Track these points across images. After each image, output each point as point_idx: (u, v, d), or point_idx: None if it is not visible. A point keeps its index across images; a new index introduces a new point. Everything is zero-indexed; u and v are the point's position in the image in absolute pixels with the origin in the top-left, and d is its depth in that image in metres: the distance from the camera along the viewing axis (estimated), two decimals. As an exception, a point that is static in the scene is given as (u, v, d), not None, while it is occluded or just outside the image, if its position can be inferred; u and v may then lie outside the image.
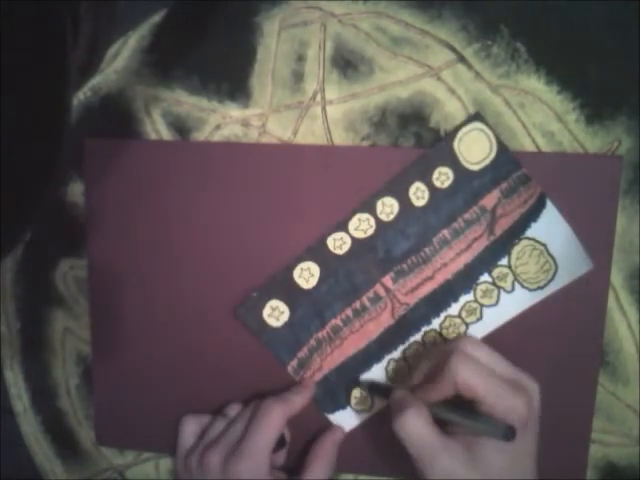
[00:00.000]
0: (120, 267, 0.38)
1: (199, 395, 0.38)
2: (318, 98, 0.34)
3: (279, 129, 0.35)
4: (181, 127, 0.36)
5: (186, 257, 0.37)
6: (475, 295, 0.34)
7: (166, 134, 0.36)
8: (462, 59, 0.33)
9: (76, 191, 0.38)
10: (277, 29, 0.34)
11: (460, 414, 0.29)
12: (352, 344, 0.35)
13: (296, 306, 0.35)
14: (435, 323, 0.35)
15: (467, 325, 0.34)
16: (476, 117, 0.33)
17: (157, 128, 0.36)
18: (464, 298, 0.34)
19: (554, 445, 0.35)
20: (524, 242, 0.33)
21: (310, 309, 0.35)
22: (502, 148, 0.32)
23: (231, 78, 0.35)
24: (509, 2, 0.32)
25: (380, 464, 0.37)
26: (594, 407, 0.34)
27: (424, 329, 0.35)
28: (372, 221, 0.34)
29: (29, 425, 0.42)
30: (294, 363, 0.36)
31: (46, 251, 0.39)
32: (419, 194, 0.33)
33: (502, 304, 0.34)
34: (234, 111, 0.35)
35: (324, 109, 0.34)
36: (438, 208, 0.33)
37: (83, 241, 0.38)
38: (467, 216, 0.33)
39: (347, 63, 0.34)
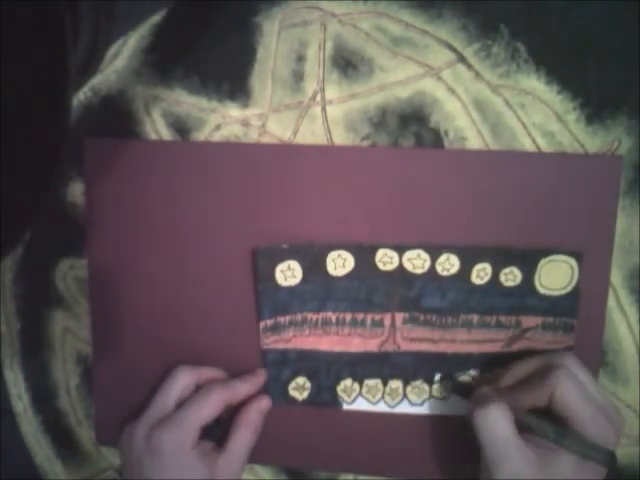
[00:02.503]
0: (120, 267, 0.38)
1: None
2: (318, 98, 0.34)
3: (279, 129, 0.35)
4: (181, 127, 0.36)
5: (186, 257, 0.37)
6: (453, 379, 0.35)
7: (166, 134, 0.36)
8: (462, 59, 0.33)
9: (76, 191, 0.38)
10: (277, 29, 0.34)
11: (551, 426, 0.28)
12: (329, 343, 0.36)
13: (309, 280, 0.35)
14: (408, 379, 0.35)
15: (430, 396, 0.36)
16: (577, 255, 0.33)
17: (157, 128, 0.36)
18: (444, 375, 0.35)
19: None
20: None
21: (319, 291, 0.35)
22: (575, 293, 0.33)
23: (231, 78, 0.35)
24: (509, 2, 0.32)
25: (380, 464, 0.37)
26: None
27: (397, 378, 0.35)
28: (427, 264, 0.34)
29: (29, 425, 0.42)
30: (269, 323, 0.36)
31: (46, 251, 0.39)
32: (481, 274, 0.34)
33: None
34: (234, 111, 0.35)
35: (324, 109, 0.34)
36: (486, 296, 0.34)
37: (83, 241, 0.38)
38: (502, 319, 0.34)
39: (347, 63, 0.34)
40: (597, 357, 0.34)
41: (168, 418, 0.34)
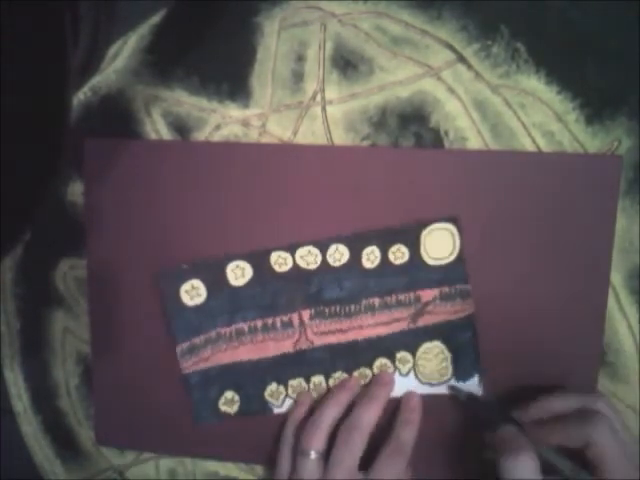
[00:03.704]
0: (120, 267, 0.38)
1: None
2: (318, 98, 0.34)
3: (279, 129, 0.35)
4: (181, 127, 0.36)
5: (186, 257, 0.37)
6: (372, 364, 0.36)
7: (166, 134, 0.36)
8: (462, 59, 0.33)
9: (76, 191, 0.38)
10: (277, 29, 0.34)
11: (576, 468, 0.29)
12: (247, 352, 0.36)
13: (215, 295, 0.36)
14: (328, 372, 0.36)
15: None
16: (453, 220, 0.33)
17: (157, 128, 0.36)
18: (362, 363, 0.36)
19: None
20: (436, 343, 0.35)
21: (226, 304, 0.36)
22: (461, 258, 0.34)
23: (231, 78, 0.35)
24: (509, 2, 0.32)
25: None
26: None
27: (318, 373, 0.36)
28: (319, 259, 0.35)
29: (29, 425, 0.42)
30: (185, 346, 0.37)
31: (46, 251, 0.39)
32: (371, 257, 0.34)
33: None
34: (234, 111, 0.35)
35: (324, 109, 0.34)
36: (381, 277, 0.35)
37: (83, 241, 0.38)
38: (401, 297, 0.35)
39: (347, 63, 0.34)
40: (597, 357, 0.34)
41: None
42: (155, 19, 0.36)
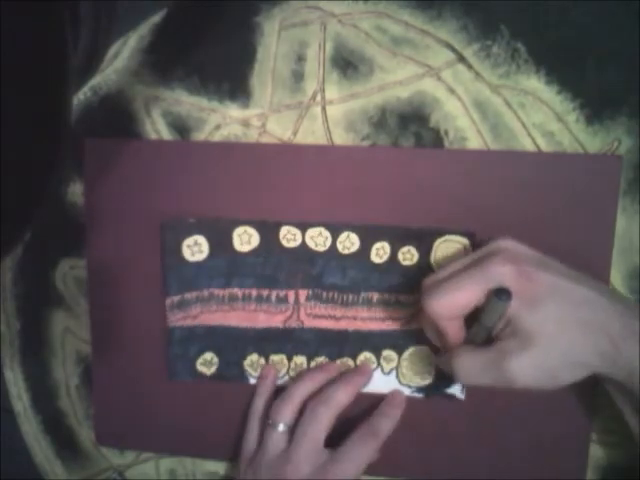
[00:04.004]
0: (120, 267, 0.38)
1: (199, 395, 0.38)
2: (318, 98, 0.34)
3: (279, 129, 0.35)
4: (181, 127, 0.36)
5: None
6: (357, 356, 0.36)
7: (166, 134, 0.36)
8: (462, 59, 0.33)
9: (76, 191, 0.38)
10: (277, 29, 0.34)
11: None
12: (236, 319, 0.36)
13: (216, 256, 0.36)
14: (311, 355, 0.36)
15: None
16: (469, 235, 0.33)
17: (157, 128, 0.36)
18: (346, 353, 0.36)
19: (554, 445, 0.35)
20: (424, 347, 0.35)
21: (224, 267, 0.36)
22: None
23: (231, 78, 0.35)
24: (509, 2, 0.32)
25: (381, 464, 0.37)
26: (594, 407, 0.34)
27: (301, 354, 0.36)
28: (329, 242, 0.35)
29: (29, 425, 0.42)
30: (176, 299, 0.37)
31: (46, 251, 0.39)
32: (380, 253, 0.35)
33: (373, 378, 0.36)
34: (234, 111, 0.35)
35: (324, 109, 0.34)
36: (385, 274, 0.35)
37: (83, 241, 0.38)
38: (401, 298, 0.35)
39: (347, 63, 0.34)
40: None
41: (286, 456, 0.33)
42: (155, 19, 0.36)
